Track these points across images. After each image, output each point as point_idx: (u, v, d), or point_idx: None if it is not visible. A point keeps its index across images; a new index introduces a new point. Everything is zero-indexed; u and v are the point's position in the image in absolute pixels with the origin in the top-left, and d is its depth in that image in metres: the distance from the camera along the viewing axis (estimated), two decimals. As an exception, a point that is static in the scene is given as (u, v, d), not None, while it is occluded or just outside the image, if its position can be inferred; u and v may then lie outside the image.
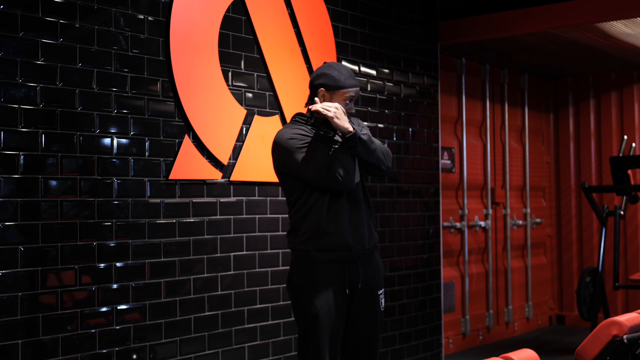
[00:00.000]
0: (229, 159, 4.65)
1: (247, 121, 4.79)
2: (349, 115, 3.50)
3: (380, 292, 3.55)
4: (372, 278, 3.52)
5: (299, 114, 3.61)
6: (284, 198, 4.97)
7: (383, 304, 3.58)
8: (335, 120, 3.35)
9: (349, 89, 3.48)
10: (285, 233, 4.96)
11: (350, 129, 3.36)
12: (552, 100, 8.76)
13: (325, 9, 5.36)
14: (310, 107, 3.46)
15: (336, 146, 3.44)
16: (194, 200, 4.47)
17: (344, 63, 5.53)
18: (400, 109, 6.06)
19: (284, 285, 4.98)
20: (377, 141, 3.51)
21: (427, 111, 6.36)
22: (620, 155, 7.36)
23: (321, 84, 3.50)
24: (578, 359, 3.31)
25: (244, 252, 4.75)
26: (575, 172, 8.60)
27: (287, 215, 4.97)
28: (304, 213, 3.44)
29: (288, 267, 4.99)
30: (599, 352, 3.25)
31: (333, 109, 3.36)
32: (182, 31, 4.41)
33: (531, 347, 3.04)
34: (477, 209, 7.62)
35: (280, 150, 3.48)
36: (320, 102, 3.49)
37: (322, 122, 3.53)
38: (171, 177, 4.32)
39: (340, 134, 3.43)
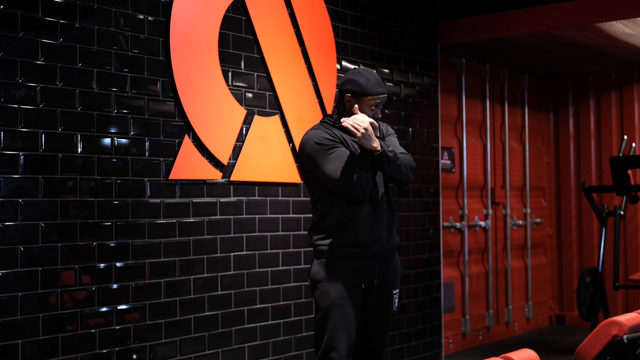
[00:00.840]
0: (229, 159, 4.65)
1: (247, 121, 4.79)
2: (377, 120, 3.57)
3: (395, 291, 3.65)
4: (388, 276, 3.60)
5: (328, 116, 3.67)
6: (284, 198, 5.00)
7: (396, 304, 3.68)
8: (363, 140, 3.40)
9: (375, 97, 3.54)
10: (285, 233, 4.98)
11: (378, 147, 3.42)
12: (552, 100, 8.76)
13: (325, 9, 5.36)
14: (342, 121, 3.48)
15: (359, 158, 3.52)
16: (194, 200, 4.47)
17: (343, 63, 5.53)
18: (400, 109, 6.06)
19: (284, 285, 4.99)
20: (402, 154, 3.57)
21: (427, 111, 6.36)
22: (620, 155, 7.36)
23: (348, 89, 3.56)
24: (578, 359, 3.31)
25: (244, 252, 4.75)
26: (575, 172, 8.60)
27: (287, 215, 4.99)
28: (325, 211, 3.54)
29: (288, 267, 5.02)
30: (599, 352, 3.26)
31: (362, 129, 3.40)
32: (182, 31, 4.41)
33: (531, 347, 3.04)
34: (477, 209, 7.62)
35: (305, 153, 3.55)
36: (347, 107, 3.58)
37: None
38: (171, 177, 4.32)
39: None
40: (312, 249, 3.65)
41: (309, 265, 5.06)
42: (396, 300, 3.66)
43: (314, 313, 3.59)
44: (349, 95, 3.55)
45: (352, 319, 3.49)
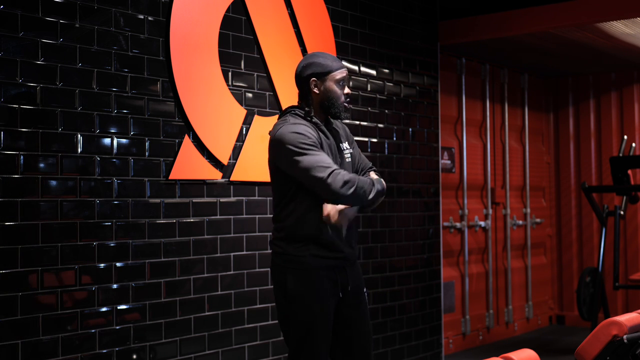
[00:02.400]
0: (229, 159, 4.65)
1: (247, 121, 4.79)
2: (345, 108, 3.47)
3: (365, 289, 3.58)
4: (357, 279, 3.52)
5: (295, 107, 3.48)
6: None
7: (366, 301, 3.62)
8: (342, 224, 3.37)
9: (338, 71, 3.43)
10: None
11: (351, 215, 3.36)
12: (552, 100, 8.76)
13: (325, 9, 5.36)
14: (322, 218, 3.34)
15: (347, 156, 3.49)
16: (194, 200, 4.47)
17: (343, 63, 5.53)
18: (400, 109, 6.06)
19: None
20: (368, 171, 3.53)
21: (427, 111, 6.36)
22: (620, 155, 7.36)
23: (310, 74, 3.41)
24: (578, 359, 3.31)
25: (244, 252, 4.75)
26: (575, 172, 8.60)
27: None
28: (297, 217, 3.38)
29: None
30: (599, 352, 3.25)
31: (334, 219, 3.33)
32: (182, 31, 4.41)
33: (531, 347, 3.04)
34: (477, 209, 7.62)
35: (282, 145, 3.30)
36: (314, 92, 3.41)
37: (323, 115, 3.48)
38: (171, 177, 4.32)
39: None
40: (278, 256, 3.45)
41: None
42: (366, 298, 3.60)
43: (287, 326, 3.42)
44: (314, 79, 3.40)
45: (330, 330, 3.41)
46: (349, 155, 3.54)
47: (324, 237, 3.36)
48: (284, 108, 4.93)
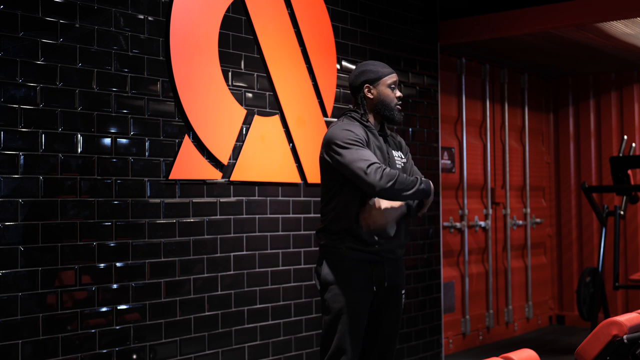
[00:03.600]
0: (229, 159, 4.65)
1: (247, 121, 4.79)
2: (393, 134, 3.73)
3: (403, 291, 3.68)
4: (397, 277, 3.63)
5: (353, 111, 3.67)
6: (284, 198, 5.00)
7: (403, 302, 3.72)
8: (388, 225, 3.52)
9: (390, 76, 3.64)
10: (285, 233, 4.97)
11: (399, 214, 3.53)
12: (552, 100, 8.76)
13: (325, 9, 5.36)
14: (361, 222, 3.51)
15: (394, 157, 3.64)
16: (194, 200, 4.47)
17: (343, 63, 5.53)
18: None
19: (284, 285, 4.99)
20: (421, 181, 3.58)
21: (427, 111, 6.36)
22: (620, 155, 7.36)
23: (363, 81, 3.63)
24: (578, 359, 3.31)
25: (244, 252, 4.75)
26: (575, 172, 8.60)
27: (287, 215, 4.98)
28: (339, 212, 3.52)
29: (288, 267, 5.01)
30: (599, 352, 3.25)
31: (379, 222, 3.50)
32: (182, 31, 4.41)
33: (531, 347, 3.04)
34: (477, 209, 7.62)
35: (332, 140, 3.50)
36: (368, 97, 3.62)
37: (378, 121, 3.67)
38: (171, 177, 4.32)
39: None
40: (317, 248, 3.65)
41: (309, 265, 5.07)
42: (403, 300, 3.70)
43: (323, 314, 3.58)
44: (368, 85, 3.62)
45: (362, 323, 3.53)
46: (400, 163, 3.68)
47: (360, 231, 3.49)
48: (283, 108, 4.98)
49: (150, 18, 4.28)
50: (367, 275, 3.52)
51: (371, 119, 3.64)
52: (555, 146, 8.74)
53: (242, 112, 4.75)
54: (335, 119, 3.63)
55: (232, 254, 4.67)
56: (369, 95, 3.63)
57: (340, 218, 3.52)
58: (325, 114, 5.28)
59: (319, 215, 3.69)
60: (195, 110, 4.46)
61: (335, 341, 3.47)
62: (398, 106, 3.65)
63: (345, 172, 3.45)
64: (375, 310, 3.59)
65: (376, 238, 3.50)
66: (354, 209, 3.49)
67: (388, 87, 3.62)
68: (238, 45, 4.76)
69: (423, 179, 3.55)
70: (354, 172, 3.39)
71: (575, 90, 8.61)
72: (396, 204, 3.53)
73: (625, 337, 3.22)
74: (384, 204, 3.50)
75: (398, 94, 3.65)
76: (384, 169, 3.38)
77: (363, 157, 3.39)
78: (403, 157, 3.73)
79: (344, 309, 3.47)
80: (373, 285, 3.53)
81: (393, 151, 3.68)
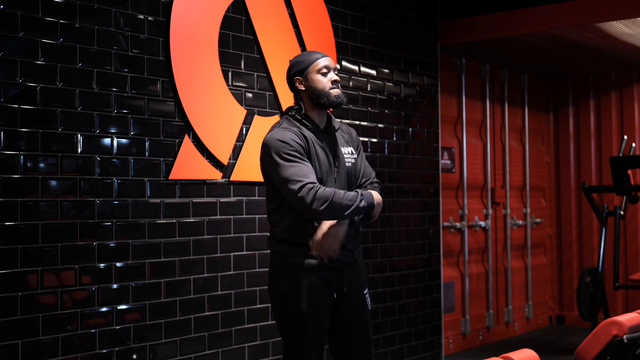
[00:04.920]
0: (229, 159, 4.65)
1: (247, 121, 4.79)
2: (333, 96, 3.41)
3: (365, 292, 3.54)
4: (355, 281, 3.49)
5: (292, 109, 3.48)
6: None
7: (370, 303, 3.56)
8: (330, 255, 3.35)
9: (317, 62, 3.42)
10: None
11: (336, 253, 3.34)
12: (552, 100, 8.76)
13: (325, 9, 5.36)
14: (313, 253, 3.36)
15: (335, 165, 3.42)
16: (194, 200, 4.47)
17: (343, 63, 5.53)
18: (400, 109, 6.06)
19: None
20: (370, 183, 3.48)
21: (427, 111, 6.36)
22: (620, 155, 7.36)
23: (293, 75, 3.45)
24: (578, 359, 3.31)
25: (244, 252, 4.75)
26: (575, 172, 8.60)
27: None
28: (288, 222, 3.37)
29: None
30: (599, 352, 3.25)
31: (332, 256, 3.34)
32: (182, 31, 4.41)
33: (531, 347, 3.04)
34: (477, 209, 7.62)
35: (266, 153, 3.33)
36: (300, 90, 3.43)
37: (321, 113, 3.46)
38: (171, 177, 4.32)
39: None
40: (273, 255, 3.47)
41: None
42: (369, 300, 3.55)
43: (281, 324, 3.44)
44: (298, 78, 3.42)
45: (323, 331, 3.41)
46: (350, 161, 3.49)
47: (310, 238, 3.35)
48: (283, 108, 4.97)
49: (150, 18, 4.28)
50: (326, 283, 3.38)
51: (313, 114, 3.43)
52: (555, 146, 8.74)
53: (242, 112, 4.75)
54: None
55: (232, 254, 4.67)
56: (301, 87, 3.41)
57: (291, 228, 3.35)
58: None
59: (268, 221, 3.49)
60: (195, 110, 4.46)
61: (300, 349, 3.35)
62: (334, 90, 3.39)
63: (280, 190, 3.28)
64: (340, 318, 3.44)
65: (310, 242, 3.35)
66: (305, 226, 3.32)
67: (318, 73, 3.39)
68: (238, 45, 4.77)
69: (365, 190, 3.37)
70: (287, 193, 3.23)
71: (575, 90, 8.61)
72: (338, 224, 3.32)
73: (625, 337, 3.22)
74: (326, 226, 3.30)
75: (332, 77, 3.40)
76: (317, 190, 3.18)
77: (295, 177, 3.20)
78: (354, 152, 3.52)
79: (305, 321, 3.32)
80: (333, 292, 3.39)
81: (342, 148, 3.47)
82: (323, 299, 3.38)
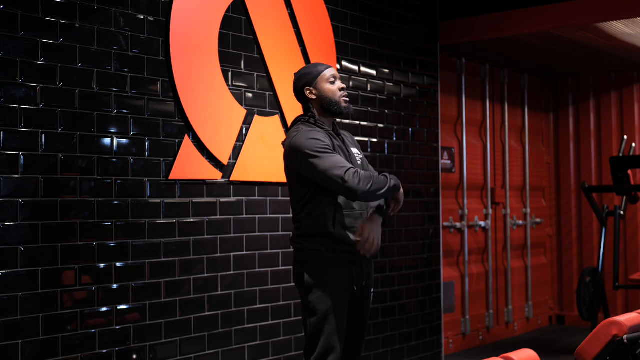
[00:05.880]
0: (229, 159, 4.65)
1: (247, 121, 4.79)
2: (342, 104, 3.62)
3: (372, 289, 3.75)
4: (370, 278, 3.70)
5: (305, 116, 3.64)
6: (284, 198, 4.99)
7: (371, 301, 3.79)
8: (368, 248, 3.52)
9: (325, 72, 3.62)
10: (285, 233, 4.97)
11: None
12: (552, 100, 8.76)
13: (325, 9, 5.36)
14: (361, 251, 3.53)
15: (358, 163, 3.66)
16: (194, 200, 4.47)
17: (343, 63, 5.53)
18: (400, 109, 6.06)
19: (284, 285, 4.99)
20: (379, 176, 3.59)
21: (427, 111, 6.36)
22: (620, 155, 7.36)
23: (303, 84, 3.64)
24: (578, 359, 3.31)
25: (244, 252, 4.75)
26: (575, 172, 8.59)
27: (287, 215, 4.98)
28: (314, 218, 3.52)
29: (288, 267, 5.01)
30: (599, 352, 3.26)
31: (365, 245, 3.50)
32: (182, 31, 4.41)
33: (531, 347, 3.04)
34: (477, 209, 7.62)
35: (299, 149, 3.47)
36: (311, 100, 3.63)
37: (329, 120, 3.66)
38: (171, 177, 4.32)
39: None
40: (297, 252, 3.61)
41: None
42: (371, 298, 3.77)
43: (307, 316, 3.55)
44: (308, 88, 3.62)
45: (344, 322, 3.58)
46: (359, 159, 3.71)
47: (337, 232, 3.51)
48: (283, 108, 4.97)
49: (150, 18, 4.28)
50: (348, 276, 3.55)
51: (323, 120, 3.63)
52: (555, 146, 8.74)
53: (242, 112, 4.75)
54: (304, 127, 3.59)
55: (232, 254, 4.67)
56: (312, 96, 3.62)
57: (317, 222, 3.51)
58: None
59: (293, 222, 3.64)
60: (195, 110, 4.46)
61: (322, 341, 3.50)
62: (344, 98, 3.62)
63: (320, 181, 3.44)
64: (352, 306, 3.63)
65: (352, 237, 3.51)
66: (330, 212, 3.49)
67: (327, 82, 3.61)
68: (238, 45, 4.77)
69: (389, 175, 3.57)
70: (332, 180, 3.39)
71: (575, 90, 8.61)
72: (374, 220, 3.53)
73: (625, 337, 3.22)
74: (367, 227, 3.50)
75: (340, 85, 3.63)
76: (360, 172, 3.39)
77: (337, 164, 3.39)
78: (359, 153, 3.75)
79: (330, 310, 3.50)
80: (353, 284, 3.57)
81: (352, 148, 3.70)
82: (346, 291, 3.56)
